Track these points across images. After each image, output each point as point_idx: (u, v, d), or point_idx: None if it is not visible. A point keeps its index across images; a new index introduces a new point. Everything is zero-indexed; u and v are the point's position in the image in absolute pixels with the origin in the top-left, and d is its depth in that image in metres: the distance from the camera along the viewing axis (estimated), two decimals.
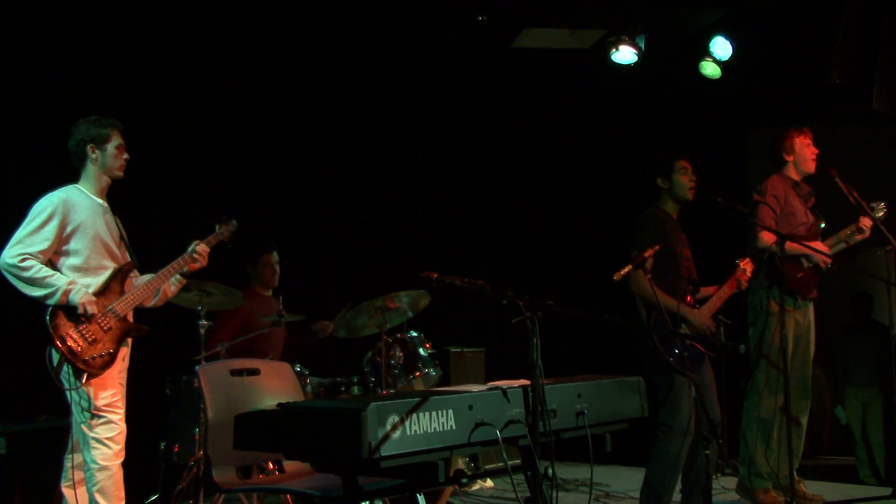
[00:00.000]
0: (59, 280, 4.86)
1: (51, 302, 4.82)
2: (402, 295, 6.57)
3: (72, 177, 5.18)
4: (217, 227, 5.50)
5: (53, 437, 5.56)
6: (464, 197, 9.61)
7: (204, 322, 6.23)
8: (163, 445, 6.40)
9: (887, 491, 6.41)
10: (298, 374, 6.25)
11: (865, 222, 6.39)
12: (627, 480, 7.09)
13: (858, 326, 8.82)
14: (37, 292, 4.84)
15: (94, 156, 5.12)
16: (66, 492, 5.13)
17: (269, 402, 3.98)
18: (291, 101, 8.22)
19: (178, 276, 5.30)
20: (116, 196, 5.32)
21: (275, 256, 7.19)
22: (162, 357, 6.37)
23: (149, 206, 6.95)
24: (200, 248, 5.28)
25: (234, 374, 4.31)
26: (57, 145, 5.61)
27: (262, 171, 8.03)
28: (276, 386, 4.39)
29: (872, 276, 6.97)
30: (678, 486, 5.83)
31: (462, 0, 7.78)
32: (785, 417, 6.11)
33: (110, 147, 5.15)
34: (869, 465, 8.80)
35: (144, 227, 5.53)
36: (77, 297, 4.84)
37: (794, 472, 6.05)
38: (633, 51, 7.94)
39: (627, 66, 8.06)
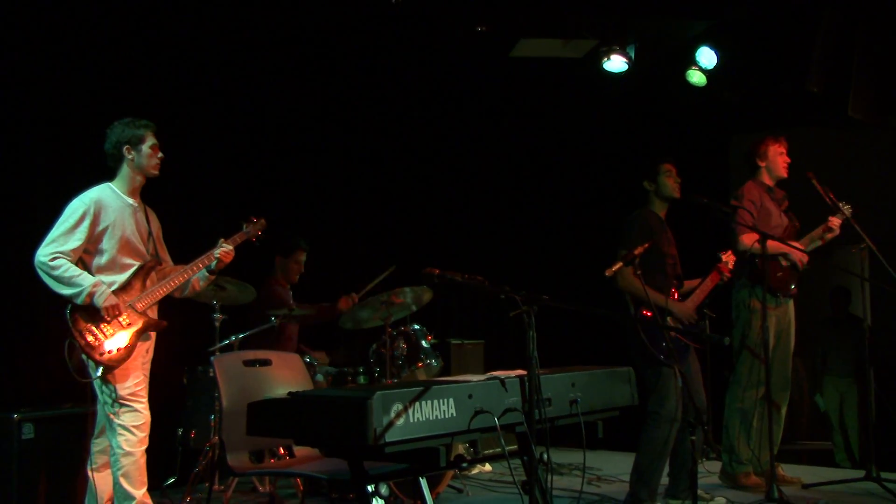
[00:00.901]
0: (86, 280, 4.82)
1: (77, 301, 4.80)
2: (406, 290, 6.56)
3: (104, 175, 5.13)
4: (244, 225, 5.46)
5: (77, 423, 5.57)
6: (464, 198, 9.61)
7: (218, 315, 6.24)
8: (180, 431, 6.42)
9: (861, 473, 6.43)
10: (307, 364, 6.24)
11: (834, 221, 6.43)
12: (618, 465, 7.09)
13: (836, 319, 8.81)
14: (64, 290, 4.80)
15: (129, 157, 5.06)
16: (94, 476, 5.09)
17: (280, 391, 3.98)
18: (304, 109, 8.21)
19: (206, 273, 5.25)
20: (148, 193, 5.28)
21: (304, 256, 7.22)
22: (179, 349, 6.36)
23: (175, 204, 6.93)
24: (222, 251, 5.22)
25: (247, 364, 4.31)
26: (88, 144, 5.60)
27: (278, 174, 8.01)
28: (286, 376, 4.39)
29: (848, 271, 6.99)
30: (666, 470, 5.85)
31: (463, 12, 7.76)
32: (766, 407, 6.13)
33: (145, 147, 5.08)
34: (845, 450, 8.80)
35: (170, 223, 5.47)
36: (101, 301, 4.81)
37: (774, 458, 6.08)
38: (624, 60, 7.94)
39: (618, 75, 8.05)
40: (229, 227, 5.45)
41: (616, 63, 7.97)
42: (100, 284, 4.86)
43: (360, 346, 7.28)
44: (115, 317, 4.87)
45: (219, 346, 6.19)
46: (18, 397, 5.86)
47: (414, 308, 6.86)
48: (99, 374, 4.81)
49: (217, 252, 5.20)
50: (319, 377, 6.47)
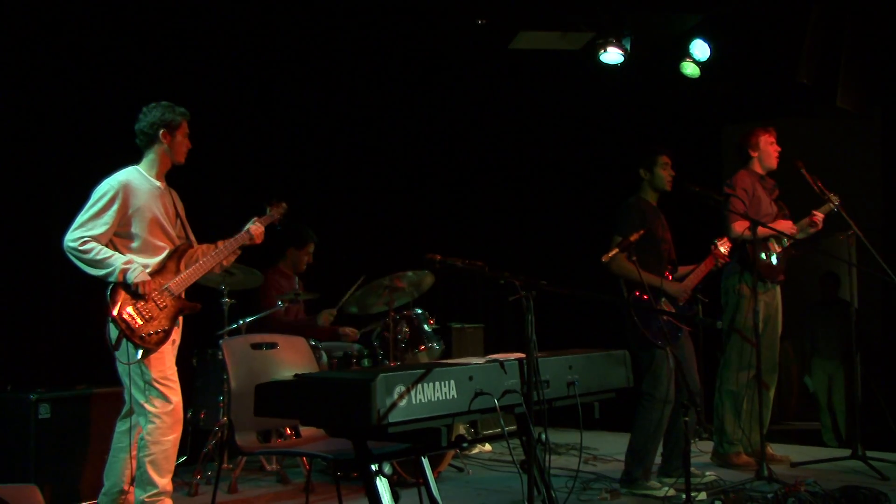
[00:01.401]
0: (117, 260, 4.75)
1: (110, 280, 4.72)
2: (408, 275, 6.55)
3: (128, 158, 5.06)
4: (268, 209, 5.40)
5: (89, 403, 5.56)
6: (465, 186, 9.60)
7: (227, 300, 6.23)
8: (190, 412, 6.42)
9: (847, 452, 6.45)
10: (313, 347, 6.24)
11: (818, 216, 6.45)
12: (614, 445, 7.09)
13: (826, 303, 8.81)
14: (97, 272, 4.73)
15: (164, 141, 4.98)
16: (115, 454, 5.04)
17: (287, 373, 3.97)
18: (309, 99, 8.20)
19: (237, 251, 5.23)
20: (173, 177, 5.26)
21: (312, 247, 7.23)
22: (189, 332, 6.35)
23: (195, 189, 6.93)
24: (255, 228, 5.21)
25: (255, 347, 4.30)
26: (112, 129, 5.56)
27: (286, 165, 8.01)
28: (292, 358, 4.38)
29: (836, 257, 6.99)
30: (660, 450, 5.86)
31: (464, 5, 7.75)
32: (756, 389, 6.14)
33: (179, 135, 5.02)
34: (832, 430, 8.82)
35: (191, 207, 5.46)
36: (133, 276, 4.74)
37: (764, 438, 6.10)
38: (620, 52, 7.94)
39: (614, 66, 8.05)
40: (247, 213, 5.42)
41: (612, 55, 7.96)
42: (132, 262, 4.79)
43: (364, 330, 7.28)
44: (148, 294, 4.78)
45: (227, 329, 6.19)
46: (35, 379, 5.86)
47: (416, 293, 6.85)
48: (139, 356, 4.73)
49: (251, 228, 5.18)
50: (324, 360, 6.47)
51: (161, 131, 4.97)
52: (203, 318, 6.45)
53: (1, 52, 6.07)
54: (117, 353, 4.75)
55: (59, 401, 5.43)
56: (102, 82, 6.59)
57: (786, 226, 6.38)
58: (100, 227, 4.76)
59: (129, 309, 4.72)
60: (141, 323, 4.74)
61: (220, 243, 5.19)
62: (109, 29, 6.65)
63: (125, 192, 4.83)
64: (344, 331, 7.07)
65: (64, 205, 5.03)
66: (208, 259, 5.09)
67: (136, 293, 4.75)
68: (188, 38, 7.15)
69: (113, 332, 4.71)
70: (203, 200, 6.97)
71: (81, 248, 4.70)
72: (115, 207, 4.79)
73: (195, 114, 5.19)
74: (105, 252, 4.74)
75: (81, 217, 4.77)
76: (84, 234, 4.72)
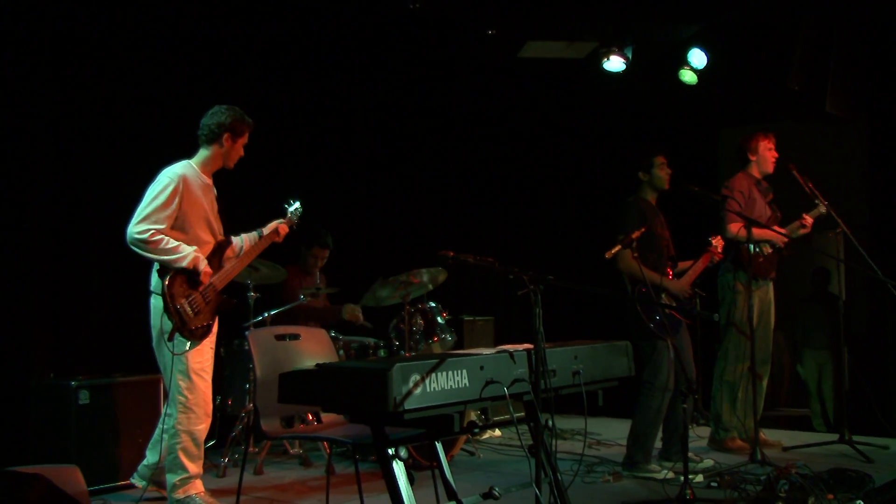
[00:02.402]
0: (188, 248, 4.64)
1: (183, 264, 4.58)
2: (423, 271, 6.54)
3: (150, 168, 4.93)
4: (288, 210, 5.34)
5: (127, 390, 5.58)
6: (477, 187, 9.57)
7: (253, 294, 6.23)
8: (218, 399, 6.41)
9: (835, 437, 6.46)
10: (333, 338, 6.23)
11: (807, 220, 6.43)
12: (616, 430, 7.06)
13: (816, 297, 8.77)
14: (165, 258, 4.57)
15: (226, 144, 4.86)
16: (159, 435, 5.04)
17: (309, 362, 3.96)
18: (329, 104, 8.18)
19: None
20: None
21: (327, 253, 7.12)
22: (217, 324, 6.35)
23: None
24: (282, 228, 5.18)
25: (279, 338, 4.29)
26: (149, 128, 5.51)
27: (307, 167, 7.98)
28: (314, 349, 4.37)
29: (825, 254, 6.99)
30: (659, 435, 5.84)
31: (476, 16, 7.75)
32: (750, 379, 6.12)
33: (240, 143, 4.92)
34: (821, 416, 8.78)
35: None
36: (202, 265, 4.68)
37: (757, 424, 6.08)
38: (622, 60, 7.92)
39: (617, 74, 8.03)
40: (266, 215, 5.42)
41: (615, 63, 7.94)
42: (197, 250, 4.71)
43: (381, 322, 7.26)
44: (206, 283, 4.70)
45: (253, 321, 6.19)
46: (76, 367, 5.88)
47: (430, 287, 6.83)
48: (188, 348, 4.65)
49: (278, 228, 5.16)
50: (341, 352, 6.46)
51: (226, 134, 4.86)
52: (230, 311, 6.48)
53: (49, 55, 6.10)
54: (169, 344, 4.64)
55: (98, 388, 5.45)
56: (146, 84, 6.60)
57: (778, 236, 6.35)
58: (165, 220, 4.61)
59: (183, 302, 4.62)
60: (192, 316, 4.65)
61: (254, 239, 5.16)
62: (159, 39, 6.69)
63: (184, 185, 4.70)
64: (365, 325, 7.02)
65: (102, 202, 5.00)
66: (245, 255, 5.05)
67: (195, 283, 4.66)
68: (213, 42, 7.14)
69: (167, 325, 4.60)
70: (226, 200, 6.98)
71: (151, 240, 4.53)
72: (177, 200, 4.65)
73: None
74: (173, 242, 4.60)
75: (145, 209, 4.60)
76: (151, 226, 4.56)
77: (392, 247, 8.38)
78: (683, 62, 8.04)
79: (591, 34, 7.95)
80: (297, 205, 5.38)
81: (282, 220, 5.24)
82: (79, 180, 6.20)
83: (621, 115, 9.30)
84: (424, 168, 9.12)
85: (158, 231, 4.57)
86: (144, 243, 4.54)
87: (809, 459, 5.66)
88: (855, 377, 7.03)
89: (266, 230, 5.22)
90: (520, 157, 9.88)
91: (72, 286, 6.16)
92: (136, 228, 4.56)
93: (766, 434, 6.59)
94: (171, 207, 4.63)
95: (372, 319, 7.33)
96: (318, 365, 3.56)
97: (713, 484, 5.27)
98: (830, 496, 4.63)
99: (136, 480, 5.20)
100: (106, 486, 5.37)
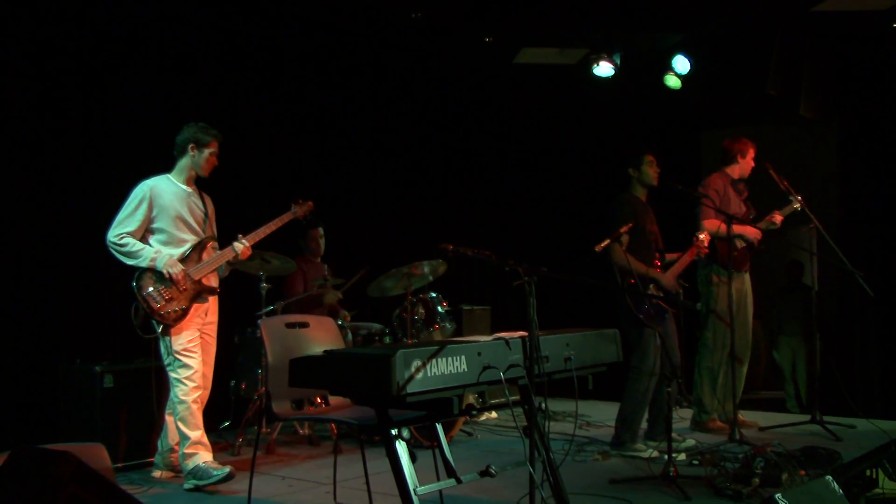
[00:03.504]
0: (148, 251, 4.93)
1: (143, 265, 4.90)
2: (424, 263, 6.52)
3: (165, 168, 5.19)
4: (292, 206, 5.44)
5: (147, 375, 5.59)
6: (475, 184, 9.54)
7: (265, 285, 6.20)
8: (233, 383, 6.41)
9: (807, 418, 6.46)
10: (340, 326, 6.21)
11: (777, 217, 6.39)
12: (605, 412, 7.04)
13: (791, 288, 8.76)
14: (131, 261, 4.94)
15: (192, 154, 5.12)
16: (168, 418, 5.20)
17: (317, 349, 3.93)
18: (335, 108, 8.15)
19: (225, 265, 5.22)
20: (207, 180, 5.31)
21: (320, 231, 7.13)
22: (232, 313, 6.34)
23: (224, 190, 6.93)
24: (242, 248, 5.12)
25: (289, 326, 4.27)
26: (151, 140, 5.54)
27: (314, 166, 7.96)
28: (322, 336, 4.35)
29: (799, 247, 6.97)
30: (645, 417, 5.82)
31: (474, 24, 7.73)
32: (730, 365, 6.10)
33: (206, 152, 5.14)
34: (795, 398, 8.80)
35: (224, 205, 5.49)
36: (161, 264, 4.91)
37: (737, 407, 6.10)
38: (611, 66, 7.91)
39: (606, 78, 8.02)
40: (276, 208, 5.41)
41: (604, 69, 7.94)
42: (160, 252, 4.95)
43: (384, 311, 7.24)
44: (178, 276, 4.92)
45: (265, 310, 6.16)
46: (100, 353, 5.88)
47: (431, 278, 6.80)
48: (160, 330, 4.92)
49: (237, 248, 5.15)
50: (349, 338, 6.44)
51: (190, 146, 5.13)
52: (243, 300, 6.47)
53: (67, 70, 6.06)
54: (147, 328, 4.97)
55: (121, 372, 5.49)
56: (143, 96, 6.58)
57: (753, 231, 6.34)
58: (133, 224, 4.96)
59: (151, 292, 4.89)
60: (162, 303, 4.89)
61: (241, 236, 5.20)
62: (148, 48, 6.64)
63: (152, 194, 5.01)
64: (342, 314, 6.96)
65: (117, 201, 5.06)
66: (218, 256, 5.15)
67: (162, 278, 4.92)
68: (222, 48, 7.12)
69: (138, 311, 4.92)
70: (235, 195, 6.95)
71: (119, 242, 4.92)
72: (144, 207, 4.99)
73: (227, 120, 5.21)
74: (138, 245, 4.95)
75: (119, 217, 4.98)
76: (122, 230, 4.94)
77: (395, 241, 8.36)
78: (668, 68, 8.05)
79: (581, 41, 7.97)
80: (310, 203, 5.48)
81: (240, 239, 5.18)
82: (106, 178, 6.21)
83: (610, 117, 9.28)
84: (426, 167, 9.09)
85: (127, 234, 4.93)
86: (116, 245, 4.93)
87: (784, 439, 5.67)
88: (826, 362, 7.03)
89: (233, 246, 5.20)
90: (516, 157, 9.86)
91: (97, 278, 6.16)
92: (110, 233, 4.96)
93: (744, 415, 6.57)
94: (138, 213, 4.96)
95: (376, 309, 7.31)
96: (325, 351, 3.53)
97: (695, 462, 5.25)
98: (803, 472, 4.65)
99: (154, 469, 5.30)
100: (129, 463, 5.40)
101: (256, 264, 6.04)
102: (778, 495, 3.34)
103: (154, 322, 4.93)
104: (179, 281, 4.92)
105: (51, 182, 5.99)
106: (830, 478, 3.73)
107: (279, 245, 6.01)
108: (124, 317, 6.18)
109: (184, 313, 4.96)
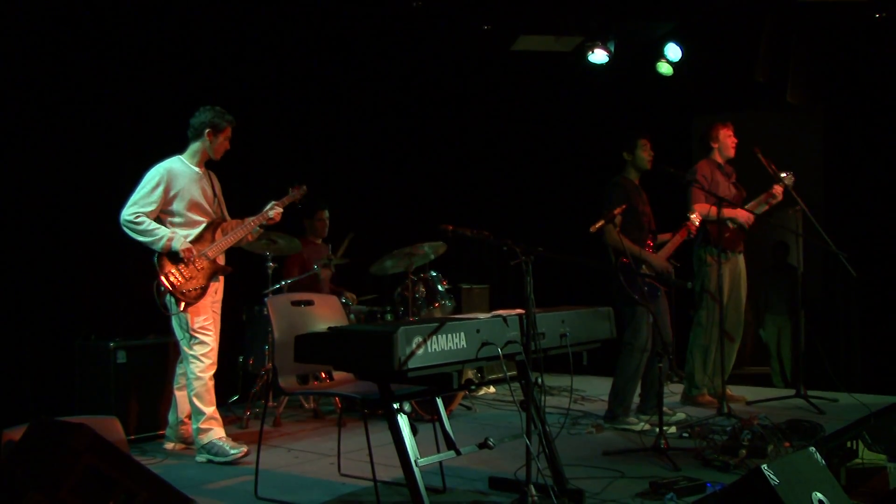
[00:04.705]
0: (163, 231, 4.87)
1: (158, 247, 4.84)
2: (425, 244, 6.50)
3: (174, 149, 5.13)
4: (290, 190, 5.39)
5: (159, 351, 5.63)
6: (474, 168, 9.50)
7: (271, 264, 6.19)
8: (241, 359, 6.42)
9: (792, 392, 6.48)
10: (344, 304, 6.20)
11: (777, 189, 6.36)
12: (599, 387, 7.05)
13: (777, 268, 8.75)
14: (146, 239, 4.87)
15: (209, 138, 5.06)
16: (176, 393, 5.22)
17: (322, 326, 3.92)
18: (338, 94, 8.10)
19: (258, 228, 5.23)
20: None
21: (326, 213, 7.11)
22: (240, 292, 6.33)
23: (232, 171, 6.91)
24: (275, 211, 5.17)
25: (294, 304, 4.27)
26: (165, 122, 5.51)
27: (319, 151, 7.92)
28: (326, 314, 4.34)
29: (785, 229, 6.96)
30: (637, 391, 5.83)
31: (472, 12, 7.69)
32: (720, 343, 6.10)
33: (221, 137, 5.09)
34: (780, 374, 8.81)
35: (227, 187, 5.46)
36: (177, 245, 4.86)
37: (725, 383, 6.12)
38: (605, 53, 7.85)
39: (601, 65, 7.96)
40: (275, 192, 5.38)
41: (599, 56, 7.87)
42: (175, 233, 4.90)
43: (386, 290, 7.23)
44: (191, 258, 4.88)
45: (271, 289, 6.15)
46: (113, 329, 5.86)
47: (431, 258, 6.79)
48: (181, 308, 4.86)
49: (270, 213, 5.15)
50: (352, 316, 6.43)
51: (207, 130, 5.06)
52: (251, 279, 6.46)
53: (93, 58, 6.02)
54: (165, 304, 4.89)
55: (134, 348, 5.51)
56: (158, 82, 6.52)
57: (744, 215, 6.32)
58: (149, 205, 4.89)
59: (173, 270, 4.85)
60: (182, 281, 4.86)
61: (247, 219, 5.20)
62: (157, 36, 6.57)
63: (169, 176, 4.96)
64: (347, 294, 6.94)
65: (131, 181, 5.03)
66: (237, 231, 5.14)
67: (178, 258, 4.87)
68: (224, 38, 7.04)
69: (160, 289, 4.85)
70: (238, 177, 6.91)
71: (135, 220, 4.84)
72: (161, 189, 4.92)
73: (231, 102, 5.18)
74: (153, 224, 4.88)
75: (134, 196, 4.90)
76: (137, 210, 4.86)
77: (397, 222, 8.34)
78: (660, 55, 8.02)
79: (577, 29, 7.92)
80: (304, 187, 5.42)
81: (273, 204, 5.21)
82: (120, 157, 6.18)
83: (604, 103, 9.22)
84: (427, 150, 9.05)
85: (143, 214, 4.85)
86: (132, 223, 4.84)
87: (770, 412, 5.67)
88: (810, 339, 7.04)
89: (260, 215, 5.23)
90: (513, 141, 9.81)
91: (111, 257, 6.13)
92: (125, 211, 4.87)
93: (732, 390, 6.58)
94: (155, 194, 4.89)
95: (379, 287, 7.29)
96: (330, 328, 3.54)
97: (685, 434, 5.26)
98: (787, 444, 4.66)
99: (166, 442, 5.32)
100: (142, 435, 5.43)
101: (263, 244, 6.03)
102: (764, 466, 3.34)
103: (174, 300, 4.87)
104: (195, 262, 4.90)
105: (66, 162, 5.94)
106: (813, 449, 3.73)
107: (285, 226, 5.98)
108: (137, 295, 6.19)
109: (203, 291, 4.94)
